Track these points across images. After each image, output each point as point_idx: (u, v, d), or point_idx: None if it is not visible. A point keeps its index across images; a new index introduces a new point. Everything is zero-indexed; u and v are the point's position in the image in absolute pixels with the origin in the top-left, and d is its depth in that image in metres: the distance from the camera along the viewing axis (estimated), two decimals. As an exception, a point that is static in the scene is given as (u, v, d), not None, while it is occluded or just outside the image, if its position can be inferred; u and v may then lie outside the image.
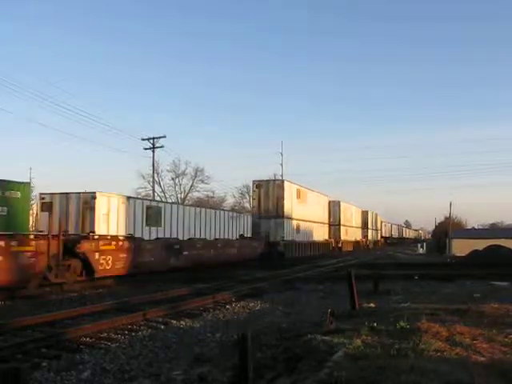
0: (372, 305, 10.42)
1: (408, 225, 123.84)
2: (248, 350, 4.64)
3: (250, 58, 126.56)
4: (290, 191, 31.78)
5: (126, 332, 8.79)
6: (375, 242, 64.84)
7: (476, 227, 68.90)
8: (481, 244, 32.91)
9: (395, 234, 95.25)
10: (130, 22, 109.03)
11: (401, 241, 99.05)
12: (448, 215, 53.24)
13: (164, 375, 6.18)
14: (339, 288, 14.19)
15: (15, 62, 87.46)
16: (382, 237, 72.04)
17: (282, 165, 51.48)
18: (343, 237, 46.94)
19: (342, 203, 47.05)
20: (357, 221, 55.41)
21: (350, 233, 51.08)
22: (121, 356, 7.19)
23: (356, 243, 54.04)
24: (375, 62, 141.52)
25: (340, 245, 45.47)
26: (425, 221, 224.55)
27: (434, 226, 72.49)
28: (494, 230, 59.74)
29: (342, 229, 46.62)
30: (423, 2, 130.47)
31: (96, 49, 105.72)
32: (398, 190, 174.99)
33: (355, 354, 5.46)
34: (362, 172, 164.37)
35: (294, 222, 32.68)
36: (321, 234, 39.86)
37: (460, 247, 37.62)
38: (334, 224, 45.11)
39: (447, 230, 47.51)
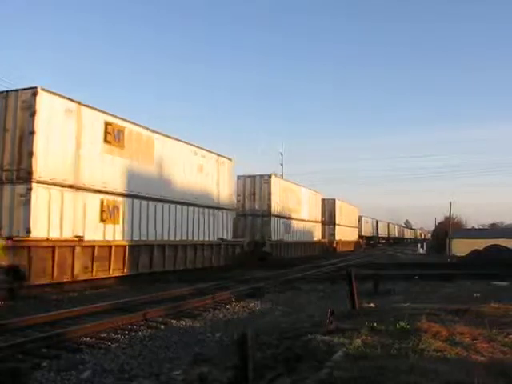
0: (372, 305, 10.42)
1: (408, 225, 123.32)
2: (248, 349, 4.64)
3: (250, 60, 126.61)
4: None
5: (126, 332, 8.79)
6: (347, 244, 50.13)
7: (476, 227, 68.85)
8: (481, 244, 32.92)
9: (392, 234, 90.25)
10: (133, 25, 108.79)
11: (397, 241, 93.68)
12: (448, 215, 53.24)
13: (164, 375, 6.18)
14: (339, 288, 14.18)
15: None
16: (361, 236, 60.05)
17: (282, 165, 51.48)
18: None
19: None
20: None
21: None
22: (121, 356, 7.19)
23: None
24: (375, 64, 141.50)
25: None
26: (425, 221, 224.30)
27: (434, 226, 72.23)
28: (494, 230, 59.65)
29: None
30: (423, 4, 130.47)
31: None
32: (398, 190, 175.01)
33: (355, 354, 5.46)
34: (362, 172, 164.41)
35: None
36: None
37: (460, 247, 37.60)
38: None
39: (447, 229, 47.47)
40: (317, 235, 38.73)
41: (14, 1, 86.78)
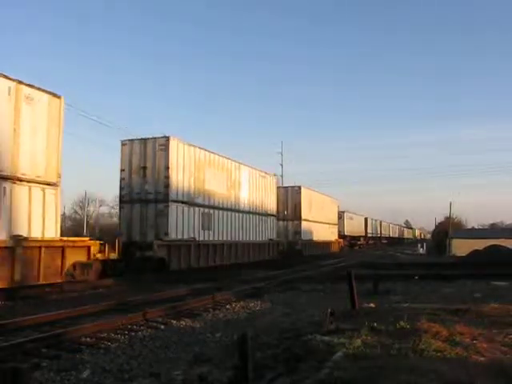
0: (372, 305, 10.41)
1: (408, 225, 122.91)
2: (248, 349, 4.64)
3: (250, 64, 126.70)
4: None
5: (126, 332, 8.79)
6: (321, 245, 39.83)
7: (476, 227, 68.87)
8: (481, 244, 32.88)
9: (386, 233, 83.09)
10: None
11: (395, 241, 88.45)
12: (448, 215, 53.22)
13: (164, 375, 6.18)
14: (339, 288, 14.17)
15: None
16: (343, 236, 50.94)
17: (282, 165, 51.32)
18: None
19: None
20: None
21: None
22: (121, 356, 7.19)
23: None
24: (375, 64, 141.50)
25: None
26: (425, 221, 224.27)
27: (434, 226, 72.10)
28: (494, 230, 59.65)
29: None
30: (423, 11, 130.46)
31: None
32: (398, 190, 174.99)
33: (355, 354, 5.45)
34: (362, 172, 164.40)
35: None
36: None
37: (460, 247, 37.58)
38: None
39: (447, 229, 47.46)
40: (268, 233, 29.32)
41: None
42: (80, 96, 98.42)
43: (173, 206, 19.23)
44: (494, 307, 8.87)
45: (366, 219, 65.96)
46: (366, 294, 12.50)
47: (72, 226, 56.51)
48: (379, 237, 77.28)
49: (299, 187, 35.83)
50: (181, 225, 19.78)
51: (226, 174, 24.20)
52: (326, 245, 42.34)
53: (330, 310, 8.01)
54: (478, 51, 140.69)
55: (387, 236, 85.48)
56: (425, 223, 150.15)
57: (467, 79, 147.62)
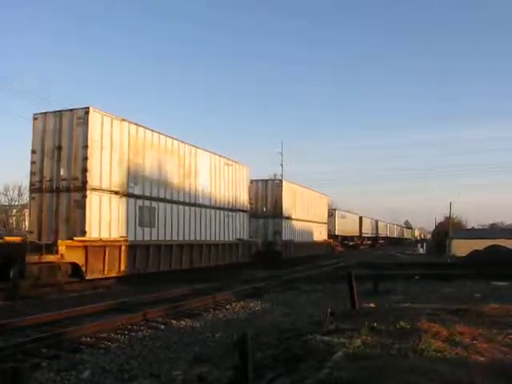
0: (372, 305, 10.42)
1: (408, 225, 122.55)
2: (248, 349, 4.64)
3: (250, 64, 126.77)
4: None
5: (126, 332, 8.79)
6: (307, 246, 35.15)
7: (476, 227, 68.87)
8: (481, 244, 32.88)
9: (383, 233, 78.59)
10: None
11: (395, 241, 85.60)
12: (448, 215, 53.21)
13: (164, 375, 6.18)
14: (339, 288, 14.18)
15: None
16: (334, 236, 46.59)
17: (282, 165, 51.26)
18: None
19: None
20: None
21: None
22: (121, 356, 7.19)
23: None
24: (375, 65, 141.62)
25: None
26: (425, 221, 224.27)
27: (434, 226, 72.03)
28: (493, 230, 59.71)
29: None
30: (423, 11, 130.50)
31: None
32: (398, 190, 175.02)
33: (355, 354, 5.45)
34: (362, 172, 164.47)
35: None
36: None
37: (460, 247, 37.57)
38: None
39: (447, 230, 47.45)
40: (237, 232, 25.29)
41: None
42: (80, 96, 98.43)
43: (93, 196, 15.39)
44: (494, 307, 8.87)
45: (360, 218, 61.53)
46: (365, 293, 12.51)
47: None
48: (376, 237, 72.61)
49: (280, 180, 32.31)
50: (107, 220, 15.86)
51: (178, 160, 19.92)
52: (313, 246, 36.98)
53: (329, 310, 8.01)
54: (477, 51, 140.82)
55: (385, 236, 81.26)
56: (425, 223, 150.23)
57: (467, 79, 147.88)
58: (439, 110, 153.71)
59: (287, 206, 31.41)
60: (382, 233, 78.65)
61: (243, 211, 26.31)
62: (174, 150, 19.90)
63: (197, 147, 21.69)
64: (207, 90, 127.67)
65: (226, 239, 24.12)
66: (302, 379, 4.79)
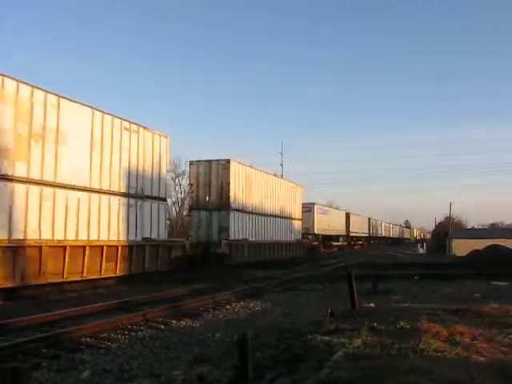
0: (372, 305, 10.42)
1: (408, 225, 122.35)
2: (248, 349, 4.64)
3: (250, 64, 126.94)
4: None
5: (126, 332, 8.79)
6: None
7: (476, 227, 68.86)
8: (481, 244, 32.89)
9: (377, 233, 72.45)
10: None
11: (386, 242, 79.37)
12: (448, 215, 53.23)
13: (164, 375, 6.18)
14: (339, 288, 14.18)
15: None
16: (313, 235, 41.14)
17: (281, 165, 51.17)
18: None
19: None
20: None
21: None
22: (121, 356, 7.19)
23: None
24: (375, 65, 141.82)
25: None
26: (425, 221, 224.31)
27: (434, 226, 71.98)
28: (493, 230, 59.67)
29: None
30: (423, 11, 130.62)
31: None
32: (398, 190, 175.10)
33: (355, 354, 5.46)
34: (362, 172, 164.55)
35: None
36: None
37: (460, 247, 37.58)
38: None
39: (447, 229, 47.46)
40: (144, 229, 18.07)
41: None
42: (80, 96, 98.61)
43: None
44: (494, 307, 8.88)
45: (347, 215, 54.85)
46: (365, 293, 12.50)
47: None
48: (368, 237, 66.20)
49: (227, 161, 23.72)
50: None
51: (17, 112, 12.93)
52: (279, 247, 30.26)
53: (329, 310, 8.02)
54: (478, 51, 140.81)
55: (379, 236, 75.09)
56: (425, 223, 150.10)
57: (467, 79, 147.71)
58: (439, 110, 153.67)
59: (238, 194, 24.49)
60: (376, 232, 72.34)
61: (158, 199, 18.75)
62: (7, 95, 12.65)
63: (65, 97, 14.54)
64: (207, 89, 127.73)
65: (115, 238, 16.37)
66: (302, 379, 4.79)
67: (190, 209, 24.76)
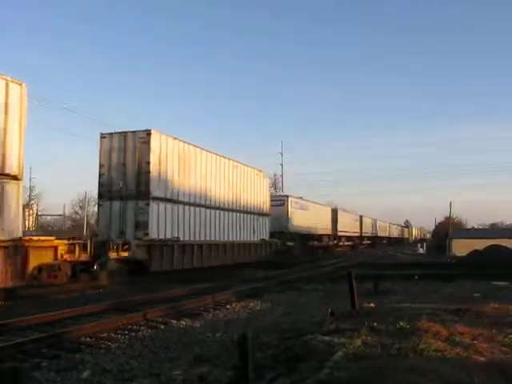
0: (372, 305, 10.41)
1: (407, 224, 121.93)
2: (248, 349, 4.64)
3: (250, 64, 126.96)
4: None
5: (126, 332, 8.79)
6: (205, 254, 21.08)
7: (476, 227, 68.87)
8: (481, 244, 32.86)
9: (370, 232, 64.91)
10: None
11: (381, 242, 72.72)
12: (448, 215, 53.23)
13: (164, 375, 6.17)
14: (339, 288, 14.18)
15: None
16: (287, 234, 33.48)
17: (281, 165, 51.00)
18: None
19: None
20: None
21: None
22: (121, 356, 7.19)
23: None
24: (375, 66, 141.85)
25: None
26: (425, 221, 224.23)
27: (433, 226, 71.93)
28: (493, 230, 59.63)
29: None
30: (423, 11, 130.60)
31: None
32: (398, 190, 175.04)
33: (355, 354, 5.45)
34: (362, 172, 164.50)
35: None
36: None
37: (460, 247, 37.51)
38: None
39: (447, 229, 47.45)
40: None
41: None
42: (79, 96, 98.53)
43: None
44: (494, 307, 8.88)
45: (334, 211, 47.50)
46: (365, 293, 12.49)
47: (72, 226, 56.50)
48: (360, 236, 59.38)
49: (148, 132, 17.78)
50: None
51: None
52: (234, 249, 23.80)
53: (330, 310, 8.03)
54: (478, 51, 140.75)
55: (373, 236, 67.89)
56: (425, 223, 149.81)
57: (467, 79, 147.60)
58: (439, 110, 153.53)
59: (165, 178, 18.57)
60: (369, 232, 65.50)
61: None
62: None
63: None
64: (207, 89, 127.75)
65: None
66: (302, 379, 4.79)
67: (100, 197, 18.66)
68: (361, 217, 60.17)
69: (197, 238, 20.68)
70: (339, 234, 48.66)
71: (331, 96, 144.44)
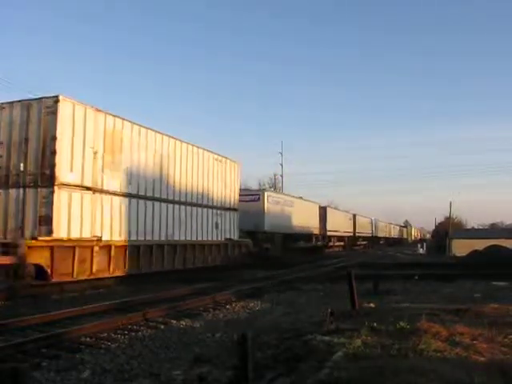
0: (372, 305, 10.41)
1: (407, 224, 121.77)
2: (248, 349, 4.64)
3: (250, 64, 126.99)
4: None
5: (126, 332, 8.79)
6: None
7: (476, 227, 68.91)
8: (481, 244, 32.85)
9: (365, 231, 60.30)
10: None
11: (378, 242, 69.37)
12: (448, 215, 53.23)
13: (164, 375, 6.18)
14: (339, 288, 14.18)
15: None
16: (262, 233, 28.96)
17: (281, 165, 50.88)
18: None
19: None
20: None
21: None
22: (121, 356, 7.19)
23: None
24: (375, 66, 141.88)
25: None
26: (425, 221, 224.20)
27: (433, 226, 71.95)
28: (493, 230, 59.65)
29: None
30: (423, 11, 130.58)
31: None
32: (398, 190, 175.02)
33: (355, 354, 5.46)
34: (362, 172, 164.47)
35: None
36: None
37: (460, 247, 37.52)
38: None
39: (447, 229, 47.44)
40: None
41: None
42: (80, 96, 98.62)
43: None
44: (494, 307, 8.88)
45: (323, 209, 42.72)
46: (365, 293, 12.49)
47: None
48: (353, 236, 55.22)
49: (55, 99, 13.51)
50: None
51: None
52: (185, 250, 19.52)
53: (329, 310, 8.02)
54: (478, 51, 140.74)
55: (368, 236, 63.65)
56: (425, 223, 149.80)
57: (467, 79, 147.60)
58: (439, 110, 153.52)
59: (78, 158, 14.24)
60: (365, 232, 61.64)
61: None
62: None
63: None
64: (207, 89, 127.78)
65: None
66: (302, 379, 4.80)
67: None
68: (354, 215, 55.67)
69: (132, 238, 16.43)
70: (329, 233, 43.93)
71: (331, 96, 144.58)
